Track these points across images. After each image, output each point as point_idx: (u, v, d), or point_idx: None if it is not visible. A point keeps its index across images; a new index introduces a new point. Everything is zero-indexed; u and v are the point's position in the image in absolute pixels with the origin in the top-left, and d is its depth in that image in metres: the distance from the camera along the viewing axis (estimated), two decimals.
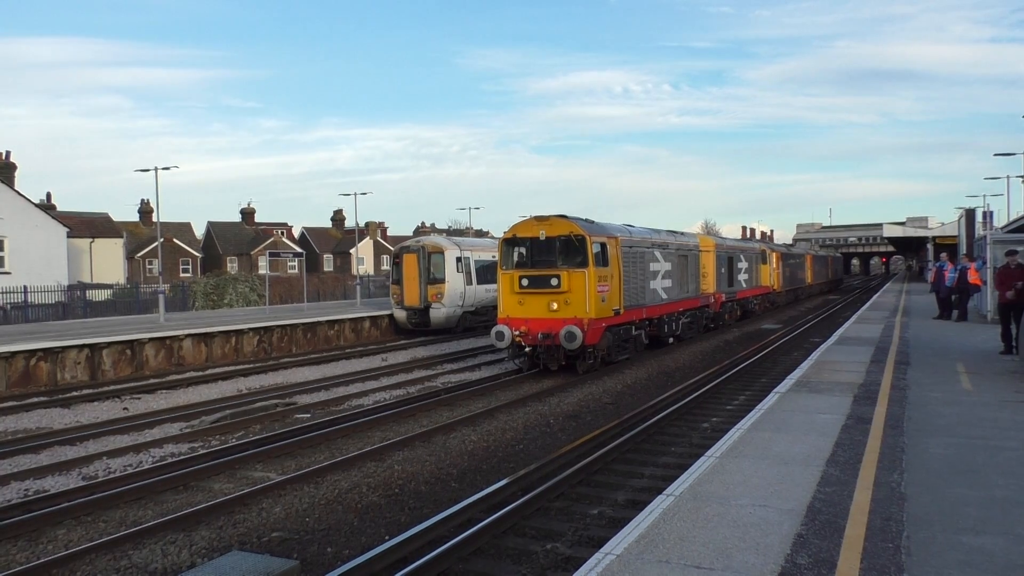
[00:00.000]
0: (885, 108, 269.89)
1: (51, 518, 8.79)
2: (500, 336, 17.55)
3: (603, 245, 17.77)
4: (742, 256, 32.54)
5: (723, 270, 28.83)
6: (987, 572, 5.05)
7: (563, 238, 17.32)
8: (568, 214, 17.92)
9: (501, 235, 18.81)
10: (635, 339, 20.11)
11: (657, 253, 21.48)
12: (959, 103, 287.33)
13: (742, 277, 32.16)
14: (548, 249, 17.51)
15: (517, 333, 17.44)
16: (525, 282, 17.56)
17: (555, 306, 17.30)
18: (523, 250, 17.94)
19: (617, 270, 18.30)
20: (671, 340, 23.11)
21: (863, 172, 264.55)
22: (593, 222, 18.44)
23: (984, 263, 24.16)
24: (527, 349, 17.87)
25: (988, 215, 36.17)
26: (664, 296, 21.91)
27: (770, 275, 37.89)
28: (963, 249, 32.86)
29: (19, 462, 11.46)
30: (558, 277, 17.19)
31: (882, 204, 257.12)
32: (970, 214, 36.38)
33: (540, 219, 17.76)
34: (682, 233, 25.68)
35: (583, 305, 17.04)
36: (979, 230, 33.47)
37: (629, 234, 19.95)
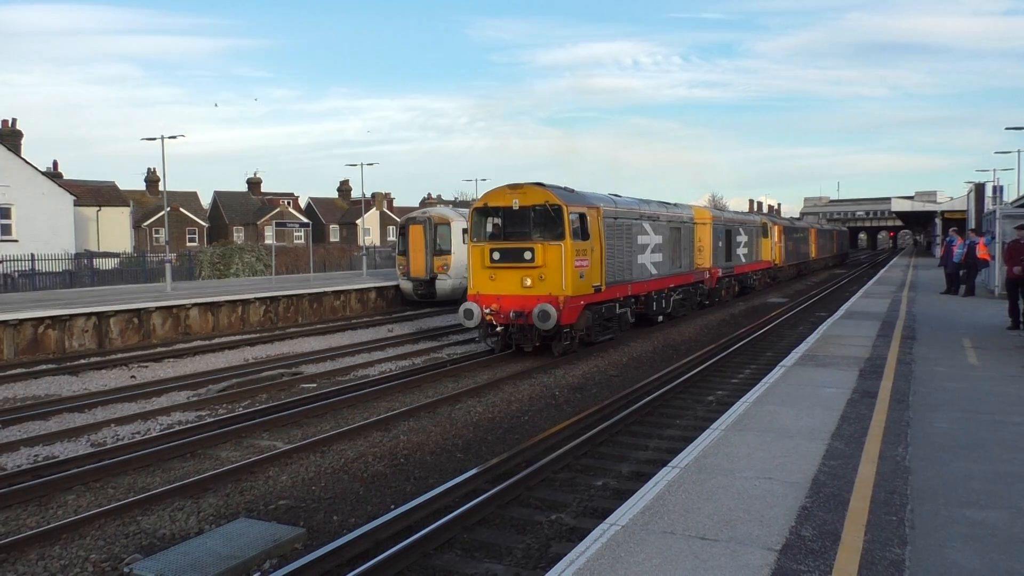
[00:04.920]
0: (896, 81, 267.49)
1: (60, 484, 8.88)
2: (469, 314, 16.30)
3: (582, 216, 16.40)
4: (741, 229, 31.27)
5: (720, 244, 27.58)
6: (990, 546, 5.07)
7: (538, 208, 16.03)
8: (545, 182, 16.59)
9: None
10: (619, 318, 18.73)
11: (646, 225, 20.21)
12: (971, 76, 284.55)
13: (741, 251, 30.94)
14: (522, 220, 16.25)
15: (488, 311, 16.23)
16: (496, 255, 16.28)
17: (529, 282, 16.02)
18: (496, 220, 16.74)
19: (599, 243, 16.99)
20: (660, 319, 21.85)
21: (872, 146, 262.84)
22: (573, 191, 17.05)
23: (993, 238, 24.00)
24: (499, 328, 16.60)
25: (998, 189, 35.85)
26: (654, 271, 20.70)
27: (772, 249, 36.80)
28: (972, 224, 32.64)
29: (28, 428, 11.57)
30: (532, 250, 15.91)
31: (891, 178, 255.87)
32: (980, 188, 36.05)
33: (514, 187, 16.44)
34: (675, 204, 24.26)
35: (559, 281, 15.80)
36: (988, 205, 33.21)
37: (614, 204, 18.58)
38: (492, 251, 16.36)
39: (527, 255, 15.99)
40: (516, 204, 16.20)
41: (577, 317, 16.31)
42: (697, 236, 24.95)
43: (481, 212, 16.90)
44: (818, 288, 38.51)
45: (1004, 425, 8.09)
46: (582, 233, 16.32)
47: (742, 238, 31.24)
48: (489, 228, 16.86)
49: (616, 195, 19.76)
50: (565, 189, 16.82)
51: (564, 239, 15.80)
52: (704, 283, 25.71)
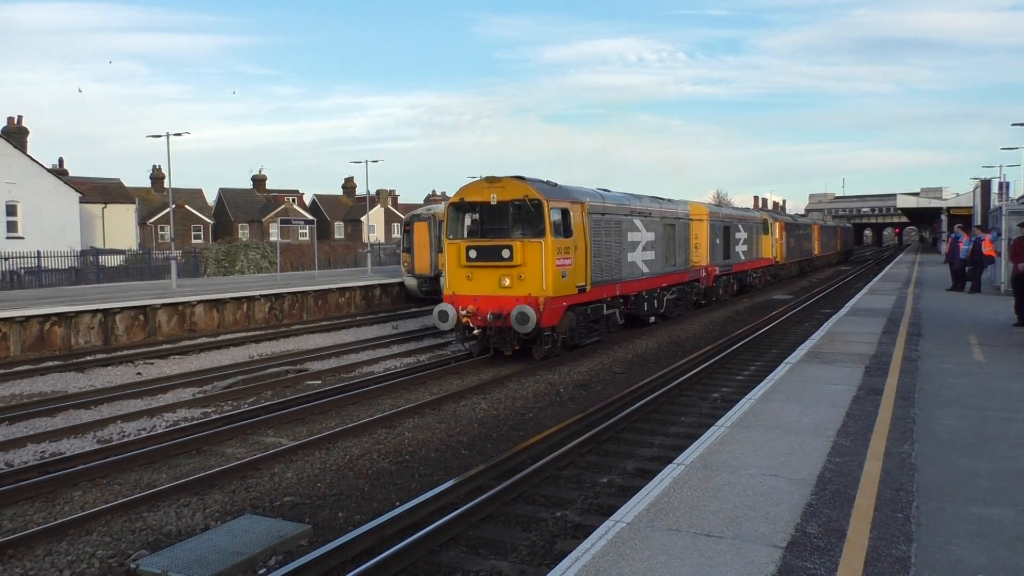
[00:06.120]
0: (902, 77, 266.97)
1: (67, 480, 8.92)
2: (443, 316, 15.40)
3: (565, 212, 15.47)
4: (740, 226, 30.24)
5: (718, 241, 26.55)
6: (996, 543, 5.06)
7: (517, 203, 15.13)
8: (526, 175, 15.60)
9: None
10: (607, 319, 17.78)
11: (637, 221, 19.28)
12: (978, 72, 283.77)
13: (740, 248, 30.00)
14: (500, 216, 15.35)
15: (464, 313, 15.34)
16: (473, 254, 15.36)
17: (507, 282, 15.12)
18: (473, 216, 15.85)
19: (583, 241, 16.06)
20: (652, 319, 20.83)
21: (878, 142, 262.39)
22: (556, 185, 16.08)
23: (999, 234, 23.93)
24: (476, 331, 15.65)
25: (1004, 186, 35.73)
26: (645, 270, 19.76)
27: (772, 246, 35.77)
28: (978, 220, 32.53)
29: (35, 425, 11.62)
30: (510, 248, 14.97)
31: (896, 175, 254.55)
32: (986, 185, 35.89)
33: (492, 180, 15.49)
34: (669, 200, 23.30)
35: (539, 281, 14.88)
36: (994, 201, 33.10)
37: (601, 199, 17.60)
38: (469, 249, 15.47)
39: (505, 253, 15.09)
40: (494, 199, 15.33)
41: (559, 319, 15.45)
42: (693, 233, 24.13)
43: (457, 207, 15.97)
44: (822, 285, 38.42)
45: (1010, 422, 8.07)
46: (564, 230, 15.47)
47: (741, 235, 30.25)
48: (467, 224, 16.03)
49: (605, 190, 18.99)
50: (547, 183, 15.97)
51: (544, 236, 14.91)
52: (700, 282, 24.81)
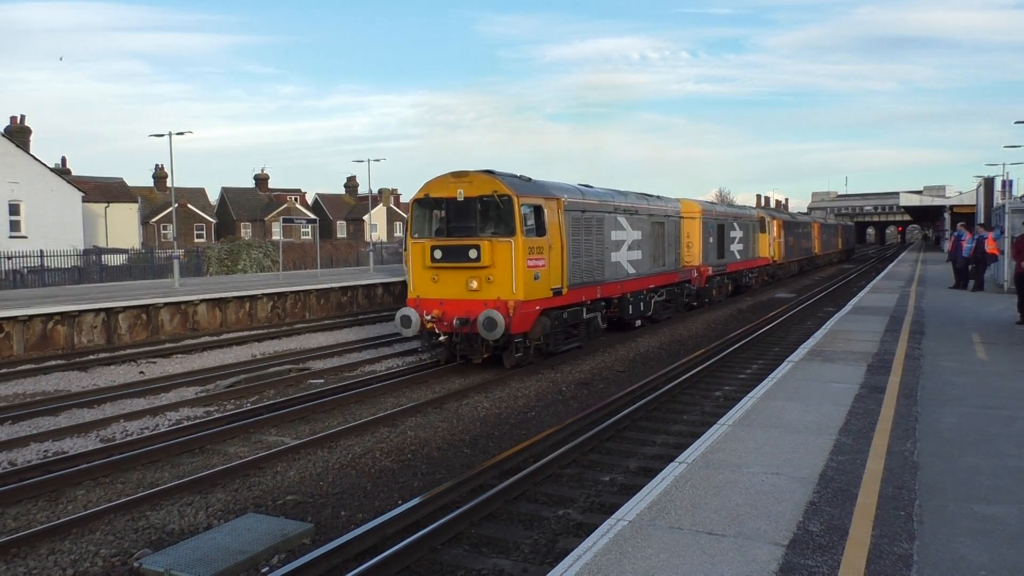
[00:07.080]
0: (906, 76, 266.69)
1: (70, 479, 8.93)
2: (406, 322, 14.42)
3: (537, 209, 14.47)
4: (736, 224, 29.09)
5: (711, 240, 25.59)
6: (999, 541, 5.05)
7: (486, 199, 14.11)
8: (496, 169, 14.75)
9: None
10: (587, 324, 16.82)
11: (621, 219, 18.26)
12: (982, 71, 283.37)
13: (735, 248, 28.92)
14: (467, 213, 14.33)
15: (429, 318, 14.37)
16: (438, 254, 14.35)
17: (475, 284, 14.15)
18: (439, 213, 14.85)
19: (559, 239, 15.03)
20: (638, 323, 19.92)
21: (881, 141, 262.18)
22: (529, 180, 15.09)
23: (1002, 232, 23.91)
24: (442, 337, 14.73)
25: (1007, 184, 35.67)
26: (631, 270, 18.79)
27: (770, 245, 34.80)
28: (981, 218, 32.49)
29: (38, 424, 11.63)
30: (478, 248, 13.97)
31: (899, 173, 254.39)
32: (989, 183, 35.87)
33: (459, 175, 14.50)
34: (658, 197, 22.22)
35: (508, 284, 13.89)
36: (997, 199, 33.05)
37: (581, 195, 16.56)
38: (434, 249, 14.43)
39: (472, 253, 14.07)
40: (461, 195, 14.31)
41: (531, 325, 14.37)
42: (684, 231, 23.33)
43: (423, 204, 14.94)
44: (824, 284, 38.35)
45: (1013, 420, 8.07)
46: (537, 228, 14.47)
47: (736, 233, 29.13)
48: (431, 223, 15.07)
49: (587, 185, 17.89)
50: (519, 177, 15.02)
51: (515, 235, 13.90)
52: (692, 282, 23.76)
